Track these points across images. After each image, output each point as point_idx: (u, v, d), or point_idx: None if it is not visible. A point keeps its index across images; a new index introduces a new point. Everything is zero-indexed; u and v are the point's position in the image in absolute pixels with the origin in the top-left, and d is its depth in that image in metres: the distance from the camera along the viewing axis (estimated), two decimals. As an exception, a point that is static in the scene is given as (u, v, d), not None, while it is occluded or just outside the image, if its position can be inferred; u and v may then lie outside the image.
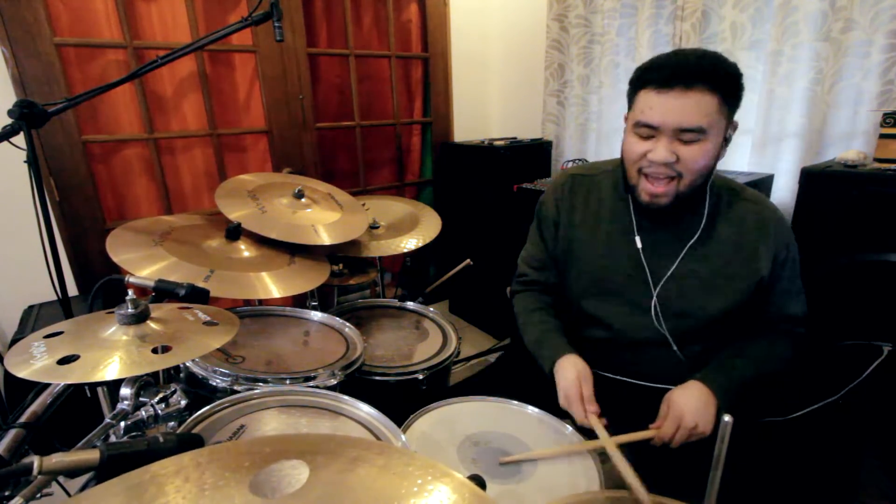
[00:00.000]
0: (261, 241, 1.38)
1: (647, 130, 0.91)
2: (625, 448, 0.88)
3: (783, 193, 1.87)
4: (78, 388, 0.84)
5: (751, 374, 1.00)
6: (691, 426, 0.90)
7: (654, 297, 1.04)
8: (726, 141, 0.94)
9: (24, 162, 1.13)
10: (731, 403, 0.94)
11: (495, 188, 2.48)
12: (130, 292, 0.80)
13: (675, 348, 1.05)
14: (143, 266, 1.11)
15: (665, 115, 0.88)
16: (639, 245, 1.04)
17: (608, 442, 0.88)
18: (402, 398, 1.27)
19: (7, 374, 1.05)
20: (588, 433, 0.97)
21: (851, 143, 1.69)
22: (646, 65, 0.92)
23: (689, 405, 0.92)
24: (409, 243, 1.70)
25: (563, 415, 1.03)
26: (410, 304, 1.66)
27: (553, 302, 1.20)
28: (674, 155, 0.89)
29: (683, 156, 0.89)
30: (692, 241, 1.01)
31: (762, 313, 1.06)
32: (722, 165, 2.05)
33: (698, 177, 0.93)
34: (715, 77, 0.86)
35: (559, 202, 1.14)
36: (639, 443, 0.92)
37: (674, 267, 1.02)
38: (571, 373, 1.00)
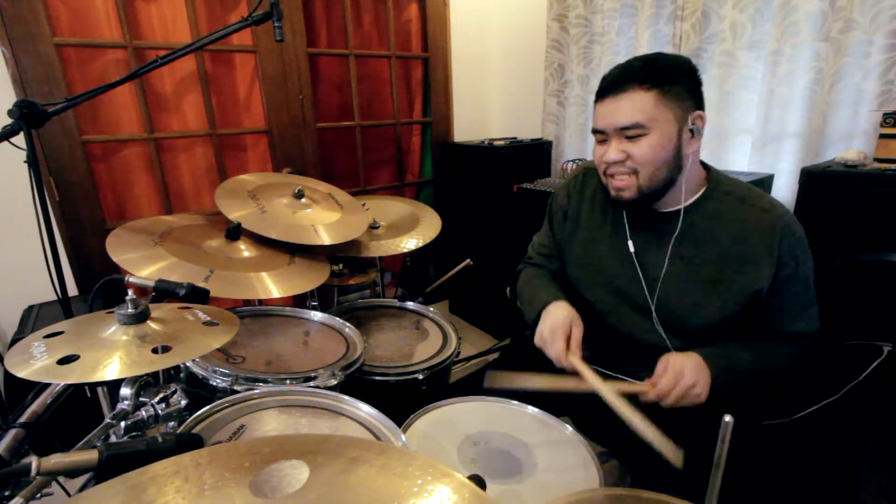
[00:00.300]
0: (261, 241, 1.38)
1: (601, 136, 1.00)
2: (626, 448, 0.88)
3: (783, 193, 1.87)
4: (78, 388, 0.84)
5: (747, 360, 0.98)
6: (690, 383, 0.88)
7: (649, 299, 1.04)
8: (691, 133, 0.95)
9: (24, 162, 1.13)
10: (724, 385, 0.92)
11: (495, 188, 2.48)
12: (130, 292, 0.80)
13: (672, 349, 1.05)
14: (143, 266, 1.11)
15: (605, 118, 0.97)
16: (632, 249, 1.06)
17: (597, 383, 0.88)
18: (402, 398, 1.28)
19: (7, 374, 1.05)
20: (588, 431, 0.97)
21: (851, 143, 1.69)
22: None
23: (688, 365, 0.90)
24: (409, 243, 1.70)
25: (563, 414, 1.03)
26: (410, 304, 1.66)
27: (555, 276, 1.22)
28: (623, 153, 0.96)
29: (632, 152, 0.95)
30: (673, 236, 1.01)
31: (762, 325, 1.02)
32: (722, 165, 2.07)
33: (656, 168, 0.95)
34: (645, 75, 0.91)
35: (571, 192, 1.19)
36: (640, 444, 0.92)
37: (664, 267, 1.02)
38: (563, 311, 1.02)
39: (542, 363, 1.10)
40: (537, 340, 1.01)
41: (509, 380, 0.94)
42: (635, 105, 0.92)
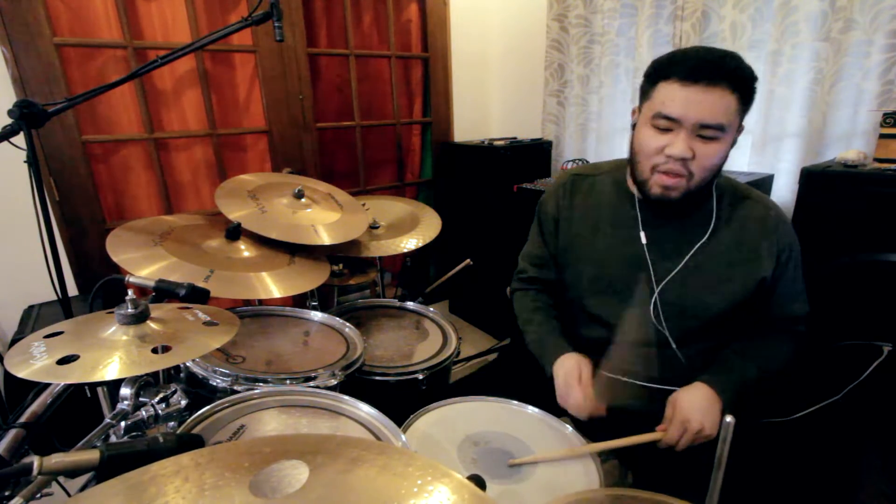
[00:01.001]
0: (261, 241, 1.38)
1: (667, 123, 0.89)
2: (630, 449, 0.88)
3: (783, 193, 1.87)
4: (78, 388, 0.84)
5: (754, 374, 1.00)
6: (697, 429, 0.90)
7: (655, 295, 1.03)
8: (734, 143, 0.94)
9: (24, 162, 1.13)
10: (735, 404, 0.94)
11: (495, 188, 2.48)
12: (130, 292, 0.80)
13: (674, 347, 1.05)
14: (143, 266, 1.11)
15: (688, 108, 0.86)
16: (644, 241, 1.04)
17: (613, 443, 0.89)
18: (402, 398, 1.27)
19: (7, 374, 1.05)
20: (588, 432, 0.97)
21: (851, 143, 1.69)
22: (666, 57, 0.92)
23: (694, 408, 0.92)
24: (409, 243, 1.70)
25: (563, 414, 1.03)
26: (410, 304, 1.66)
27: (552, 302, 1.21)
28: (691, 151, 0.88)
29: (699, 153, 0.89)
30: (702, 240, 1.01)
31: (764, 313, 1.06)
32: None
33: (708, 175, 0.93)
34: (737, 77, 0.86)
35: (559, 200, 1.15)
36: (641, 445, 0.92)
37: (681, 265, 1.02)
38: (571, 360, 1.03)
39: (540, 364, 1.10)
40: (559, 400, 1.02)
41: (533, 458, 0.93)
42: (726, 104, 0.85)
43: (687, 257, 1.02)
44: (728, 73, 0.85)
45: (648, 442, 0.92)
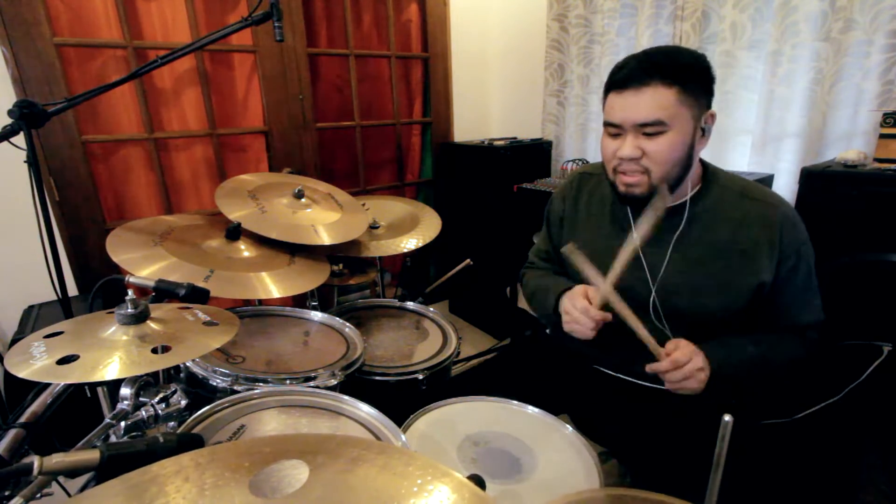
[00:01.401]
0: (261, 241, 1.38)
1: (614, 129, 0.95)
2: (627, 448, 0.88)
3: (783, 193, 1.86)
4: (78, 388, 0.84)
5: (753, 353, 0.98)
6: (700, 365, 0.89)
7: (653, 294, 1.03)
8: (703, 131, 0.94)
9: (24, 162, 1.13)
10: (725, 379, 0.93)
11: (495, 188, 2.48)
12: (130, 292, 0.80)
13: None
14: (143, 266, 1.11)
15: (624, 112, 0.92)
16: (637, 242, 1.04)
17: (627, 312, 0.91)
18: (402, 398, 1.28)
19: (7, 374, 1.05)
20: (587, 430, 0.97)
21: (851, 143, 1.69)
22: (612, 69, 0.96)
23: (697, 352, 0.91)
24: (409, 243, 1.70)
25: (563, 413, 1.03)
26: (410, 304, 1.66)
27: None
28: (639, 150, 0.93)
29: (649, 149, 0.92)
30: (677, 232, 1.01)
31: (771, 319, 1.02)
32: (722, 165, 2.06)
33: (669, 167, 0.94)
34: (668, 70, 0.88)
35: (566, 198, 1.18)
36: (640, 444, 0.91)
37: (666, 261, 1.02)
38: (577, 288, 1.02)
39: (542, 363, 1.10)
40: (564, 322, 1.01)
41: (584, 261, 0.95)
42: (658, 101, 0.89)
43: (669, 254, 1.01)
44: (657, 70, 0.88)
45: (648, 343, 0.91)
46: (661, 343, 1.02)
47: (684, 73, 0.89)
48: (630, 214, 1.06)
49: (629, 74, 0.91)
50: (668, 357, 0.90)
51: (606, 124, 0.97)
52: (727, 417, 0.63)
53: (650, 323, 1.05)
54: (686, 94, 0.89)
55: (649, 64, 0.89)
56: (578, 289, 1.02)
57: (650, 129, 0.91)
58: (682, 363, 0.89)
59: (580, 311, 0.97)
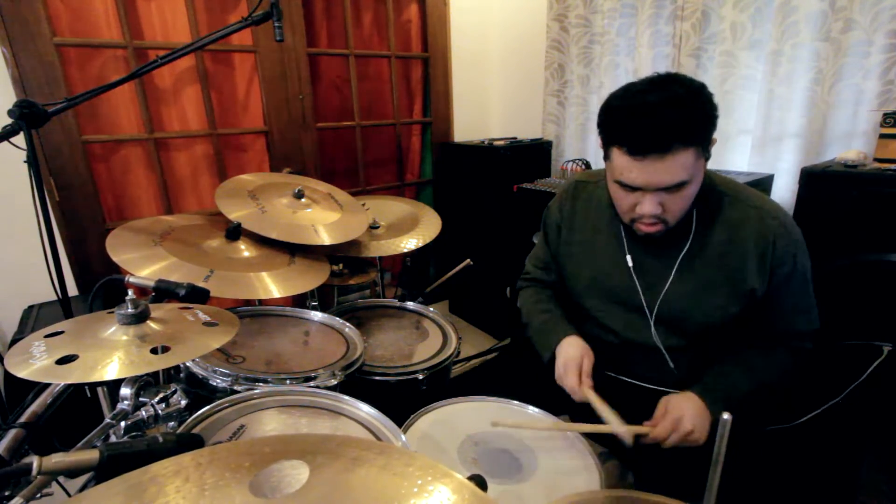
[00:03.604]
0: (261, 241, 1.38)
1: (631, 188, 0.91)
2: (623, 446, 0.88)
3: (783, 193, 1.87)
4: (78, 388, 0.84)
5: (748, 386, 0.99)
6: (688, 430, 0.90)
7: (647, 305, 1.04)
8: (707, 158, 0.93)
9: (24, 162, 1.13)
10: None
11: (495, 188, 2.48)
12: (130, 292, 0.80)
13: (667, 356, 1.05)
14: (143, 266, 1.11)
15: (647, 179, 0.88)
16: (629, 263, 1.05)
17: (606, 413, 0.91)
18: (402, 398, 1.27)
19: (7, 374, 1.05)
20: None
21: (851, 143, 1.69)
22: (613, 112, 0.90)
23: (688, 410, 0.92)
24: (409, 243, 1.70)
25: (562, 413, 1.03)
26: (410, 304, 1.66)
27: (555, 295, 1.22)
28: (660, 207, 0.91)
29: (669, 205, 0.91)
30: (681, 256, 1.00)
31: (765, 328, 1.02)
32: (722, 165, 2.07)
33: (685, 210, 0.95)
34: (688, 133, 0.84)
35: (563, 206, 1.17)
36: (641, 445, 0.92)
37: (668, 284, 1.02)
38: (575, 348, 1.03)
39: (540, 364, 1.10)
40: (556, 377, 1.04)
41: (515, 422, 0.99)
42: (681, 164, 0.85)
43: (671, 277, 1.01)
44: (675, 134, 0.83)
45: (636, 433, 0.91)
46: (656, 348, 1.01)
47: (702, 131, 0.86)
48: (624, 238, 1.06)
49: (648, 144, 0.84)
50: (653, 432, 0.91)
51: (621, 183, 0.91)
52: (725, 415, 0.63)
53: (648, 332, 1.05)
54: (703, 147, 0.87)
55: (665, 129, 0.83)
56: (572, 356, 1.03)
57: (674, 188, 0.88)
58: (664, 436, 0.91)
59: (570, 386, 1.00)
